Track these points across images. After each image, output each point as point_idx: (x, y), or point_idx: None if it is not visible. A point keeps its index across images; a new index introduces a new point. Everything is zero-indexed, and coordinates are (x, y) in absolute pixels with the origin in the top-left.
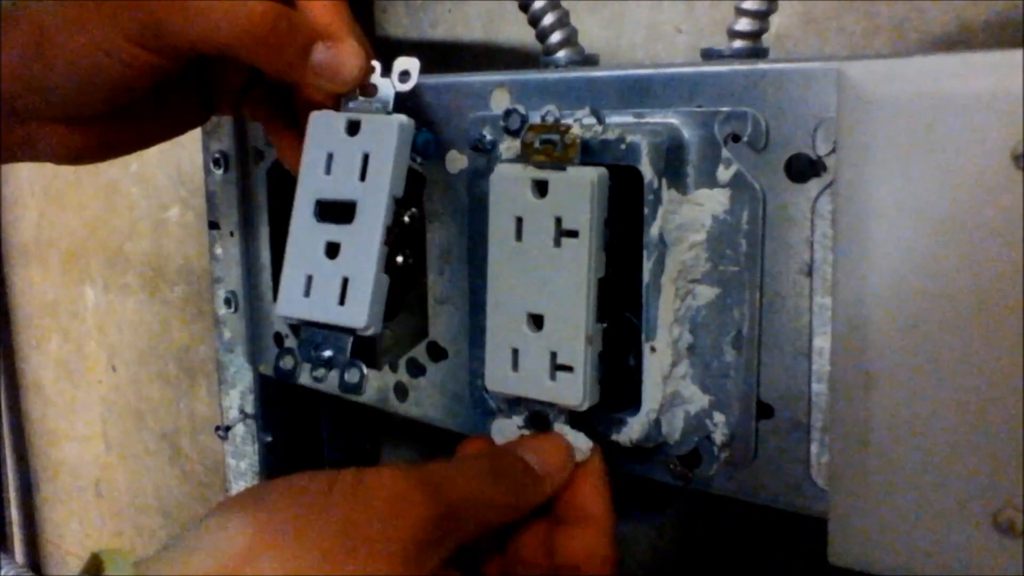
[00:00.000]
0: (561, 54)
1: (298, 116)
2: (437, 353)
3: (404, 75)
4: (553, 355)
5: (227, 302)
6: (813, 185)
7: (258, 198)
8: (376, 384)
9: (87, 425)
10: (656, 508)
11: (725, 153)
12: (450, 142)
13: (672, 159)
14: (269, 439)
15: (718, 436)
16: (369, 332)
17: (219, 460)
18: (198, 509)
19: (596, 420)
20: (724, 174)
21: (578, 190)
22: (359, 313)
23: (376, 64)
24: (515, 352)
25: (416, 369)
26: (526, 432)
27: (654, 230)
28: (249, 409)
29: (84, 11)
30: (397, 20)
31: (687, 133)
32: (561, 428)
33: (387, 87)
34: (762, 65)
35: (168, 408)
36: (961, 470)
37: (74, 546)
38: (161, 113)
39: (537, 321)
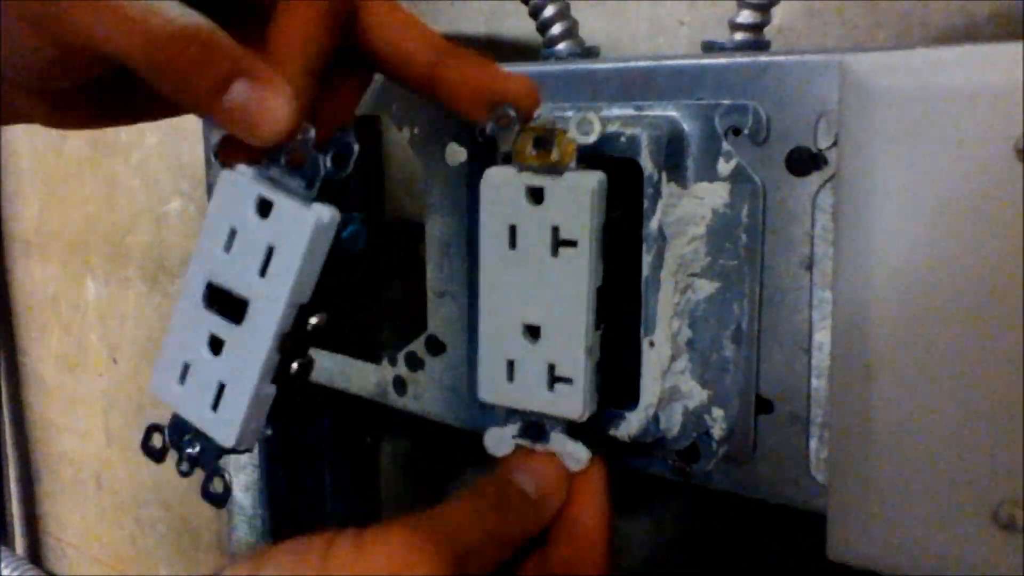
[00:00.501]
0: (562, 46)
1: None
2: (436, 347)
3: (339, 159)
4: (551, 367)
5: None
6: (814, 179)
7: None
8: (375, 378)
9: (88, 418)
10: (655, 503)
11: (725, 146)
12: (450, 134)
13: (672, 152)
14: (269, 432)
15: (717, 431)
16: (241, 449)
17: None
18: (199, 502)
19: (593, 416)
20: (724, 167)
21: (576, 198)
22: (228, 430)
23: (310, 129)
24: (510, 363)
25: (415, 363)
26: (521, 442)
27: (653, 224)
28: None
29: None
30: None
31: (687, 126)
32: (559, 438)
33: (316, 163)
34: (763, 58)
35: None
36: (961, 465)
37: (75, 539)
38: (145, 95)
39: (533, 332)
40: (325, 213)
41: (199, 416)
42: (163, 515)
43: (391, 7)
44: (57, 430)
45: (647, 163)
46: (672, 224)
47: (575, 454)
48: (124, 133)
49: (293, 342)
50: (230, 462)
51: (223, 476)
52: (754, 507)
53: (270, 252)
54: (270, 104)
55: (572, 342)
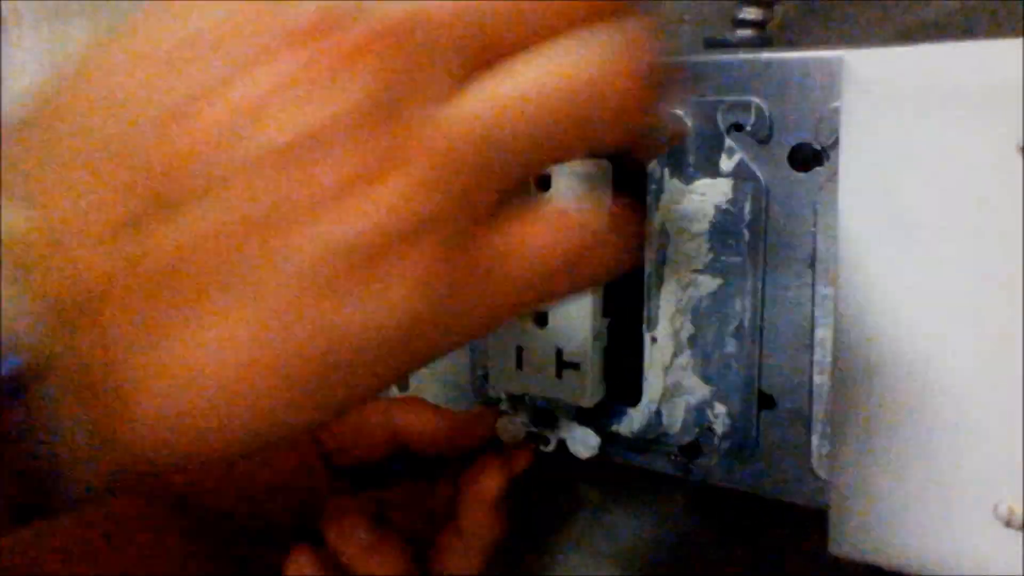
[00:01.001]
0: None
1: None
2: None
3: None
4: (559, 352)
5: None
6: (816, 175)
7: None
8: None
9: None
10: (656, 499)
11: (728, 142)
12: None
13: (675, 148)
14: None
15: (719, 427)
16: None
17: None
18: None
19: (597, 411)
20: (727, 164)
21: (581, 184)
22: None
23: None
24: (519, 350)
25: None
26: (533, 430)
27: (656, 220)
28: None
29: None
30: None
31: (690, 122)
32: (568, 424)
33: None
34: (766, 54)
35: None
36: (963, 461)
37: None
38: None
39: (541, 318)
40: None
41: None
42: None
43: None
44: None
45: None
46: (675, 220)
47: (585, 440)
48: None
49: None
50: None
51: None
52: (756, 503)
53: None
54: None
55: (579, 327)
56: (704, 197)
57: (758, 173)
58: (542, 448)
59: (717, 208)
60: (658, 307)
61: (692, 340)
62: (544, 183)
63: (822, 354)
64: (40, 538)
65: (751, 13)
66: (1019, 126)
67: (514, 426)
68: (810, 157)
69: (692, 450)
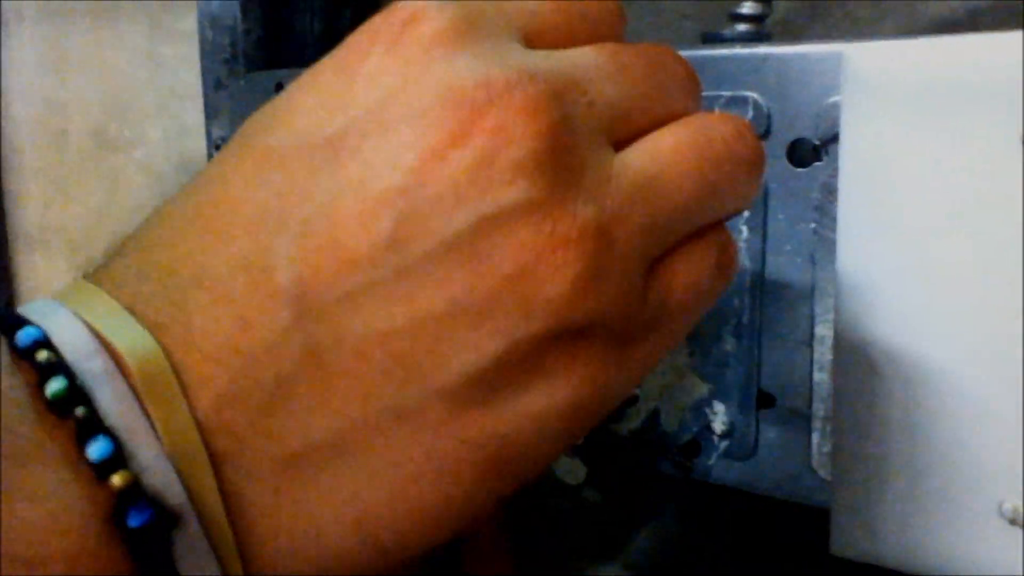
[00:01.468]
0: None
1: None
2: None
3: None
4: None
5: None
6: (816, 170)
7: None
8: None
9: None
10: (655, 499)
11: None
12: None
13: None
14: None
15: (718, 426)
16: None
17: None
18: None
19: None
20: None
21: None
22: None
23: None
24: None
25: None
26: None
27: None
28: None
29: None
30: None
31: None
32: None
33: None
34: (764, 49)
35: None
36: (966, 459)
37: None
38: None
39: None
40: None
41: None
42: None
43: None
44: None
45: None
46: None
47: (575, 473)
48: (127, 129)
49: None
50: None
51: None
52: (756, 502)
53: None
54: None
55: None
56: None
57: None
58: None
59: None
60: None
61: (690, 338)
62: None
63: (822, 351)
64: None
65: (750, 8)
66: (1020, 119)
67: None
68: (809, 152)
69: (691, 449)
